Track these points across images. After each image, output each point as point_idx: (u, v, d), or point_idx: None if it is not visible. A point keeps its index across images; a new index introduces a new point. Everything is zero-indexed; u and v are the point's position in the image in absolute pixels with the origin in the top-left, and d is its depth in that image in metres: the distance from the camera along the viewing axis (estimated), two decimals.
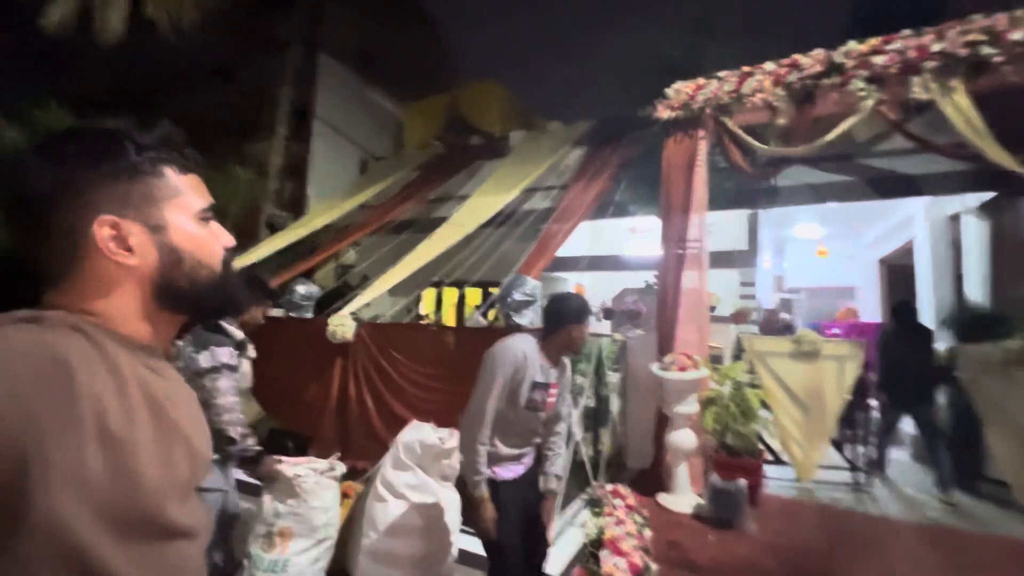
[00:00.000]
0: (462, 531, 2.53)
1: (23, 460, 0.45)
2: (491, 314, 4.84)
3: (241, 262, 4.83)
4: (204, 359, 2.10)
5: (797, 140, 3.93)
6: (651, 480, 3.76)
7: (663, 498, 3.56)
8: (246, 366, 2.40)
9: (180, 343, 2.24)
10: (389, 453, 2.52)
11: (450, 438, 2.49)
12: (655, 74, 4.95)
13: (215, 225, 0.70)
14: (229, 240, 0.71)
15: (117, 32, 5.88)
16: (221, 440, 2.13)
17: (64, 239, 0.58)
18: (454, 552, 2.44)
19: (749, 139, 4.08)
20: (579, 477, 3.40)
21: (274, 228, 6.73)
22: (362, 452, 2.86)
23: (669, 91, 4.41)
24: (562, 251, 4.33)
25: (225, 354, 2.14)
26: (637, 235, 7.46)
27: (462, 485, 2.10)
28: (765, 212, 6.72)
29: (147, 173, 0.62)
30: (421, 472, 2.43)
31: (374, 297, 4.02)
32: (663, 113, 4.39)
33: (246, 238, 6.84)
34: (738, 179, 4.76)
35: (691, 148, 4.25)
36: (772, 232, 8.80)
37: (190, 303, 0.67)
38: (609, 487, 3.45)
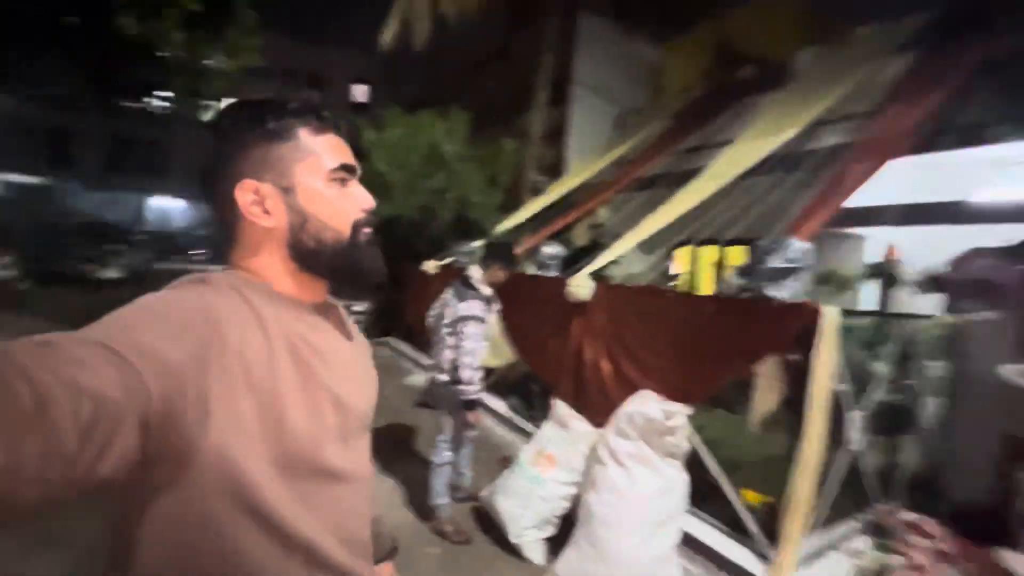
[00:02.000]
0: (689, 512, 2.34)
1: (182, 404, 0.49)
2: None
3: (504, 226, 5.43)
4: (463, 308, 2.56)
5: None
6: (986, 524, 2.66)
7: (1006, 556, 2.47)
8: (493, 318, 2.81)
9: (448, 294, 2.75)
10: (614, 420, 2.48)
11: (676, 415, 2.28)
12: None
13: (354, 186, 0.69)
14: (368, 201, 0.70)
15: (425, 35, 7.22)
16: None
17: (226, 204, 0.66)
18: (677, 535, 2.27)
19: None
20: (855, 491, 2.67)
21: (539, 194, 7.29)
22: (594, 412, 2.90)
23: None
24: (859, 199, 3.30)
25: (476, 306, 2.56)
26: (1004, 170, 5.09)
27: None
28: None
29: (281, 137, 0.65)
30: (644, 444, 2.31)
31: (618, 256, 3.94)
32: None
33: (516, 205, 7.68)
34: None
35: None
36: None
37: (321, 265, 0.68)
38: (907, 516, 2.61)
